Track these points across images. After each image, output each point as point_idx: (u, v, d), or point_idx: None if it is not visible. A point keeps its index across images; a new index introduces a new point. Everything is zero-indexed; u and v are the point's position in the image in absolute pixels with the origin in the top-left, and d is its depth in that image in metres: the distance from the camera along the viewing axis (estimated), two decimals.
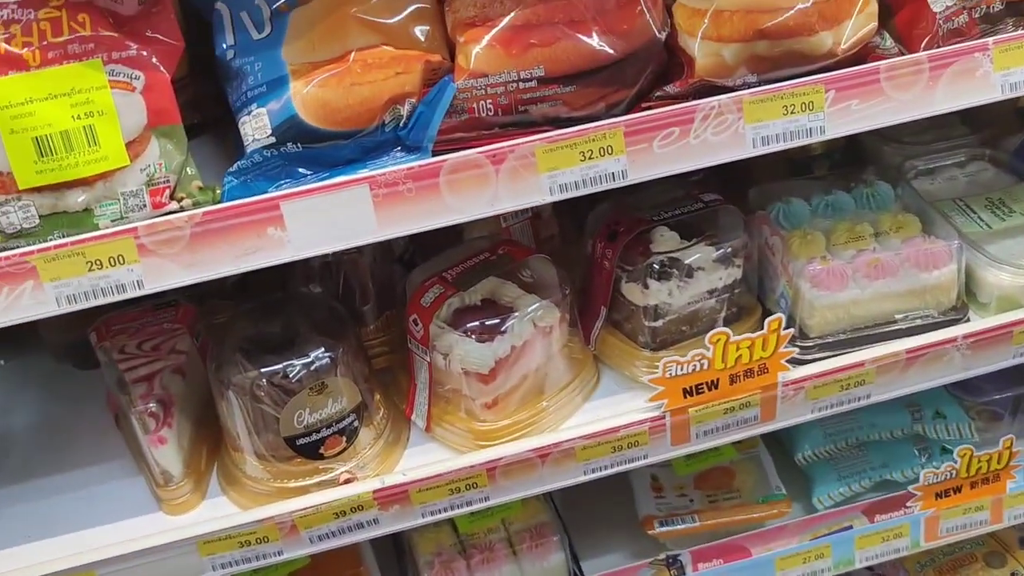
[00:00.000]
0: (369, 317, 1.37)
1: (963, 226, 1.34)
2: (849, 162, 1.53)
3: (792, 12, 1.02)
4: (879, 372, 1.25)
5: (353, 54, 1.01)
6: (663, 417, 1.20)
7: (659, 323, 1.25)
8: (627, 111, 1.05)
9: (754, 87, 1.04)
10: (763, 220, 1.35)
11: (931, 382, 1.29)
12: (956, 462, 1.44)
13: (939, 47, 1.08)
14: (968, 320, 1.29)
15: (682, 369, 1.17)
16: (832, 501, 1.51)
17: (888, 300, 1.27)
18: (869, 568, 1.69)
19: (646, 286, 1.23)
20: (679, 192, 1.32)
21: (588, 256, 1.30)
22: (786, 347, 1.20)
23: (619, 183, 1.04)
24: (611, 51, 1.00)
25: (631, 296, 1.25)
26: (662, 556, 1.43)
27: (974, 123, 1.56)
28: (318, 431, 1.16)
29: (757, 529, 1.45)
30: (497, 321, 1.18)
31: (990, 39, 1.08)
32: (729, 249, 1.25)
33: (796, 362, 1.25)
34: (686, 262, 1.23)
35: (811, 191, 1.39)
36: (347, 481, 1.18)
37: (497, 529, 1.47)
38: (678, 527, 1.45)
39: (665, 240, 1.25)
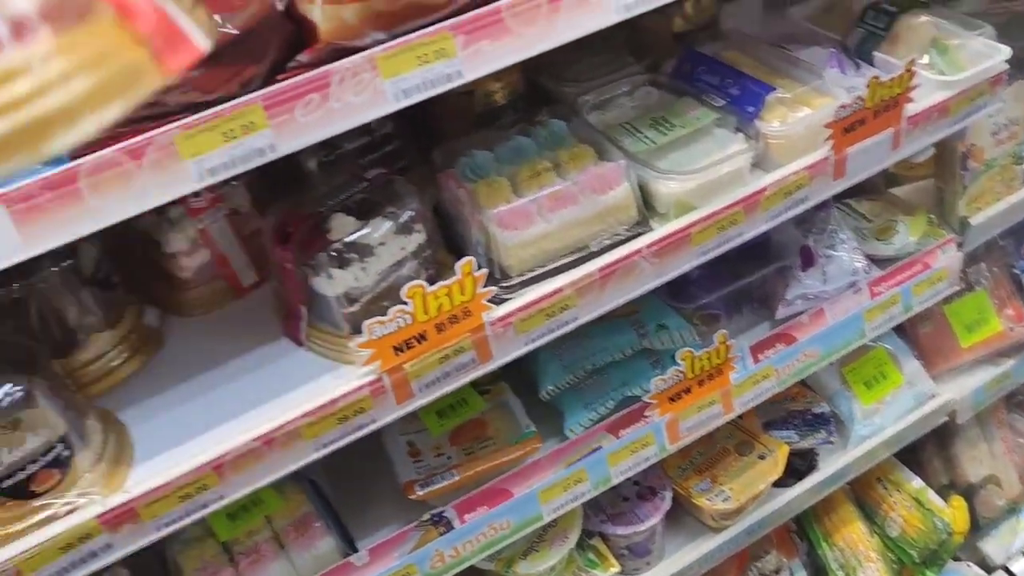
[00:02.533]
0: (82, 340, 1.32)
1: (631, 146, 1.43)
2: (533, 108, 1.60)
3: None
4: (579, 294, 1.33)
5: None
6: (380, 379, 1.23)
7: (356, 307, 1.27)
8: (263, 86, 1.06)
9: (385, 43, 1.08)
10: (449, 176, 1.40)
11: (629, 294, 1.37)
12: (680, 365, 1.55)
13: None
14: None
15: (387, 328, 1.20)
16: (583, 428, 1.58)
17: (576, 228, 1.35)
18: (635, 483, 1.80)
19: (330, 276, 1.24)
20: (342, 178, 1.34)
21: (273, 262, 1.31)
22: (486, 288, 1.25)
23: (270, 157, 1.05)
24: (229, 29, 1.01)
25: (322, 289, 1.26)
26: (427, 516, 1.46)
27: (638, 54, 1.67)
28: (23, 468, 1.11)
29: (514, 470, 1.51)
30: None
31: None
32: (405, 217, 1.28)
33: (501, 302, 1.30)
34: (364, 242, 1.25)
35: (493, 141, 1.45)
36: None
37: (261, 529, 1.45)
38: (438, 485, 1.48)
39: (342, 226, 1.27)
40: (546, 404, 1.61)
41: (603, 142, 1.43)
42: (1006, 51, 1.57)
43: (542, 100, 1.64)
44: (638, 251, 1.34)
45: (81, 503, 1.14)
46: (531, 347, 1.33)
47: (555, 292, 1.31)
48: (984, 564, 2.16)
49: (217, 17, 1.01)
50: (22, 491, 1.12)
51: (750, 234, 1.44)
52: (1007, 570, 2.14)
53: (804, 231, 1.77)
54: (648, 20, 1.71)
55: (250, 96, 1.02)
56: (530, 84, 1.64)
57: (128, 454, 1.23)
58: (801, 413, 1.92)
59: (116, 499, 1.14)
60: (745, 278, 1.71)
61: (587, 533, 1.75)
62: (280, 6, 1.05)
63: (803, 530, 2.12)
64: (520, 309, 1.29)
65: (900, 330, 2.04)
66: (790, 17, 1.78)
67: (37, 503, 1.14)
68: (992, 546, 2.16)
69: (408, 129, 1.57)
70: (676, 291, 1.70)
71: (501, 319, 1.28)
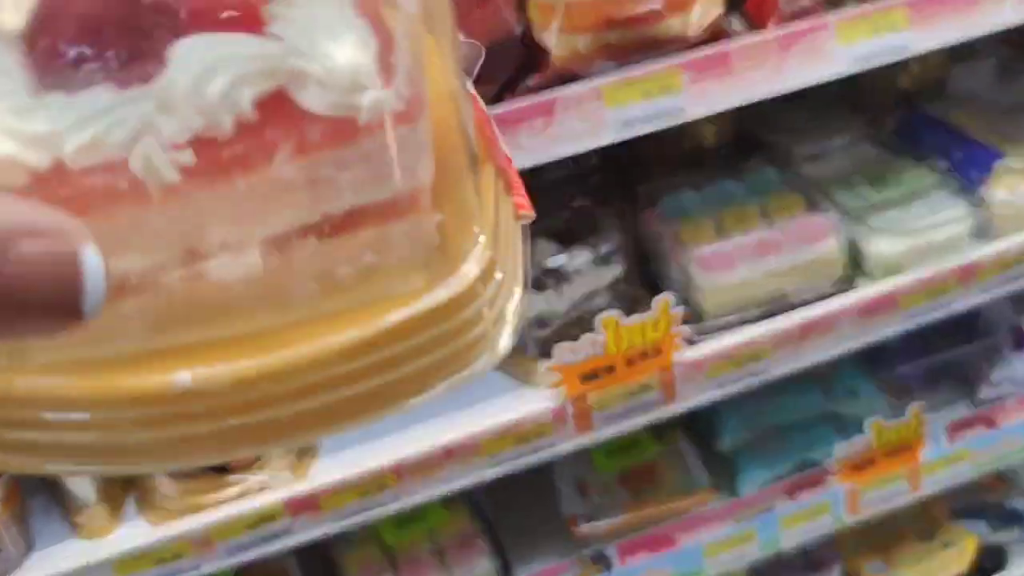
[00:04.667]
0: None
1: (845, 201, 1.39)
2: (742, 154, 1.58)
3: (639, 1, 1.07)
4: (775, 346, 1.29)
5: None
6: (563, 405, 1.23)
7: (547, 331, 1.28)
8: (491, 105, 1.09)
9: (611, 74, 1.09)
10: (653, 212, 1.40)
11: (827, 352, 1.32)
12: (868, 434, 1.47)
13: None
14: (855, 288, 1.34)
15: (577, 355, 1.21)
16: (757, 487, 1.53)
17: (778, 277, 1.32)
18: (804, 551, 1.72)
19: None
20: (546, 204, 1.36)
21: None
22: (680, 328, 1.24)
23: None
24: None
25: None
26: (587, 552, 1.44)
27: (857, 109, 1.62)
28: None
29: (682, 519, 1.48)
30: None
31: (832, 16, 1.14)
32: (605, 249, 1.29)
33: (694, 344, 1.28)
34: (562, 269, 1.26)
35: (700, 182, 1.44)
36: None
37: (424, 540, 1.48)
38: (603, 522, 1.46)
39: (542, 251, 1.29)
40: (720, 458, 1.57)
41: (814, 194, 1.39)
42: None
43: (751, 147, 1.62)
44: (842, 309, 1.30)
45: (272, 484, 1.20)
46: (719, 394, 1.30)
47: (750, 342, 1.28)
48: None
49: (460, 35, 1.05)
50: (219, 465, 1.19)
51: (961, 306, 1.36)
52: None
53: (1018, 310, 1.65)
54: (872, 76, 1.68)
55: None
56: (741, 130, 1.63)
57: (315, 445, 1.28)
58: (996, 506, 1.79)
59: (302, 486, 1.19)
60: (947, 351, 1.61)
61: None
62: (518, 30, 1.08)
63: None
64: (712, 353, 1.27)
65: None
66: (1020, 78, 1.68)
67: (231, 478, 1.20)
68: None
69: (614, 163, 1.58)
70: (871, 357, 1.63)
71: (693, 361, 1.26)
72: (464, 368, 0.37)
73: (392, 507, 1.24)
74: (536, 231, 1.33)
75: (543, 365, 1.21)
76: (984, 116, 1.53)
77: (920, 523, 1.75)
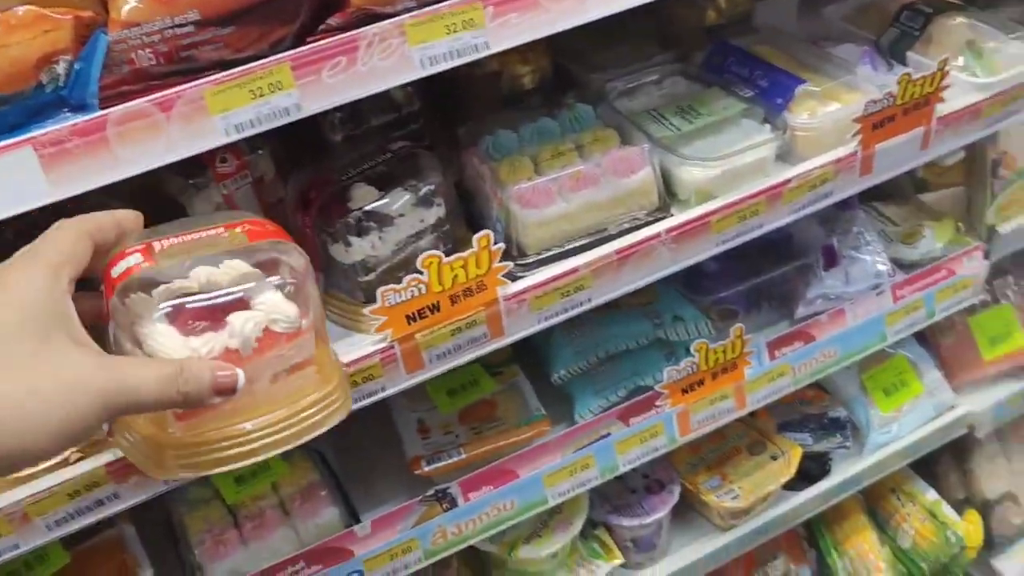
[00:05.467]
0: None
1: (656, 132, 1.43)
2: (561, 93, 1.60)
3: None
4: (595, 275, 1.33)
5: None
6: (392, 347, 1.24)
7: (371, 276, 1.27)
8: (292, 47, 1.07)
9: (414, 11, 1.09)
10: (472, 153, 1.40)
11: (645, 278, 1.37)
12: (695, 357, 1.54)
13: None
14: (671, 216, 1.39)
15: (401, 296, 1.21)
16: (593, 415, 1.58)
17: (595, 210, 1.35)
18: (644, 475, 1.79)
19: (348, 244, 1.25)
20: (366, 149, 1.35)
21: (294, 227, 1.32)
22: (502, 263, 1.25)
23: (295, 116, 1.06)
24: None
25: (339, 256, 1.27)
26: (431, 492, 1.46)
27: (668, 45, 1.67)
28: None
29: (521, 452, 1.51)
30: None
31: None
32: (426, 190, 1.28)
33: (516, 279, 1.30)
34: (384, 212, 1.26)
35: (518, 121, 1.45)
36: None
37: (267, 495, 1.46)
38: (444, 462, 1.49)
39: (363, 195, 1.27)
40: (558, 390, 1.62)
41: (628, 127, 1.43)
42: None
43: (570, 87, 1.65)
44: (657, 236, 1.34)
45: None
46: (544, 325, 1.33)
47: (571, 272, 1.31)
48: None
49: None
50: None
51: (771, 226, 1.43)
52: None
53: (828, 231, 1.76)
54: (680, 12, 1.73)
55: (280, 56, 1.04)
56: (559, 71, 1.65)
57: None
58: (817, 416, 1.91)
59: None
60: (765, 274, 1.70)
61: (592, 523, 1.75)
62: None
63: (813, 537, 2.10)
64: (535, 286, 1.29)
65: (922, 339, 2.03)
66: (825, 16, 1.77)
67: None
68: (1006, 565, 2.12)
69: (436, 110, 1.58)
70: (694, 284, 1.70)
71: (515, 295, 1.28)
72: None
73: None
74: (356, 176, 1.32)
75: (368, 309, 1.21)
76: (786, 47, 1.60)
77: (748, 439, 1.85)
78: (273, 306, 0.96)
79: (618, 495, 1.77)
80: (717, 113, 1.46)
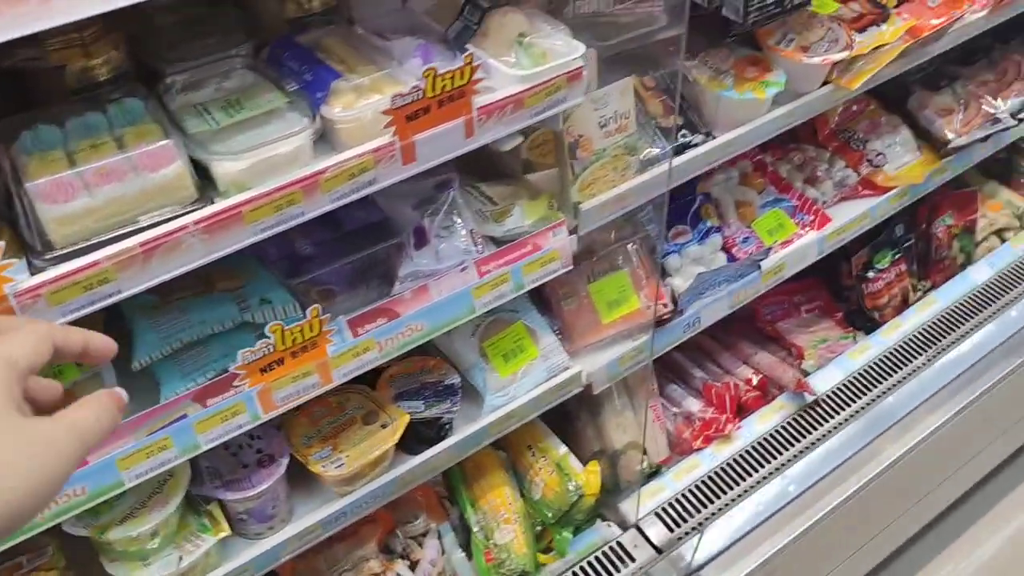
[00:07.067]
0: None
1: (194, 127, 1.49)
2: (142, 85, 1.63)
3: None
4: (119, 268, 1.38)
5: None
6: None
7: None
8: None
9: None
10: (4, 149, 1.43)
11: (178, 269, 1.42)
12: (271, 338, 1.62)
13: None
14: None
15: None
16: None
17: (124, 204, 1.39)
18: (258, 451, 1.87)
19: None
20: None
21: None
22: (7, 260, 1.29)
23: None
24: None
25: None
26: None
27: (253, 36, 1.72)
28: None
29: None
30: None
31: None
32: None
33: (38, 272, 1.34)
34: None
35: (64, 116, 1.48)
36: None
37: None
38: None
39: None
40: (149, 376, 1.66)
41: (167, 122, 1.48)
42: (581, 48, 1.69)
43: (149, 80, 1.68)
44: (184, 228, 1.40)
45: None
46: (67, 319, 1.37)
47: (91, 265, 1.36)
48: (623, 523, 2.34)
49: None
50: None
51: (313, 213, 1.52)
52: (639, 528, 2.31)
53: (422, 212, 1.87)
54: (264, 3, 1.79)
55: None
56: (139, 64, 1.68)
57: None
58: (433, 385, 2.04)
59: None
60: (355, 255, 1.79)
61: (204, 499, 1.82)
62: None
63: (454, 495, 2.24)
64: (50, 281, 1.33)
65: (546, 307, 2.19)
66: (409, 8, 1.86)
67: None
68: (629, 506, 2.34)
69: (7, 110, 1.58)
70: (292, 267, 1.78)
71: (29, 290, 1.32)
72: None
73: None
74: None
75: None
76: (352, 41, 1.69)
77: (365, 410, 1.96)
78: None
79: (231, 471, 1.84)
80: (261, 107, 1.53)
